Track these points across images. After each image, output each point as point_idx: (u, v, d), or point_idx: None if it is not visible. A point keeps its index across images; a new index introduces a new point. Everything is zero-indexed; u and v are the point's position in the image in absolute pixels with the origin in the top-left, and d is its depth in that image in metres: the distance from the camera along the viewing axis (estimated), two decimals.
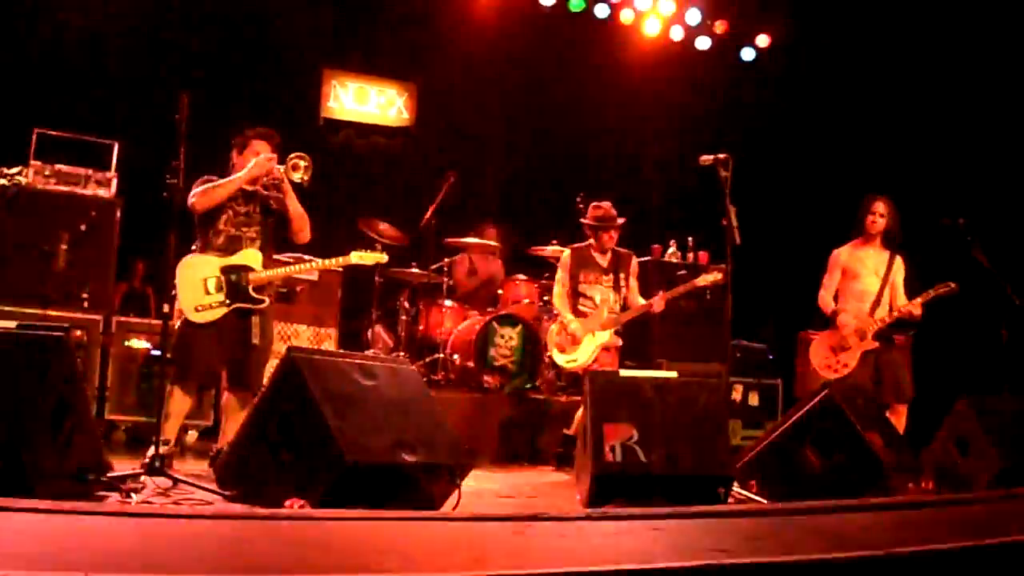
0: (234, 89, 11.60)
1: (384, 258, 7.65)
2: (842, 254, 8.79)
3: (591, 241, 9.11)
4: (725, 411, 6.93)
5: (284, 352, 5.70)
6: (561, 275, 9.15)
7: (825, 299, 8.71)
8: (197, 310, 6.78)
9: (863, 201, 8.83)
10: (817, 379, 8.32)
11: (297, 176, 7.04)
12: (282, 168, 7.04)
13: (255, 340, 6.96)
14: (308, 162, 7.06)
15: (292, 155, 7.08)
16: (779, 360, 11.56)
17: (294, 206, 7.09)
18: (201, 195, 6.82)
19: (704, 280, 8.94)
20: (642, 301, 8.96)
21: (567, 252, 9.25)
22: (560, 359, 8.98)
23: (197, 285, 6.80)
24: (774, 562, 3.57)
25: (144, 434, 7.86)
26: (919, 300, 8.49)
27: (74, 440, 5.23)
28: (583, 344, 8.82)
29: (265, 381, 6.48)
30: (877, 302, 8.61)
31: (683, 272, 9.88)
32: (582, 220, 9.19)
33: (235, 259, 6.94)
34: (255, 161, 7.05)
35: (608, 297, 8.96)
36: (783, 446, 6.89)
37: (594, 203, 9.17)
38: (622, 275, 9.06)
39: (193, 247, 6.95)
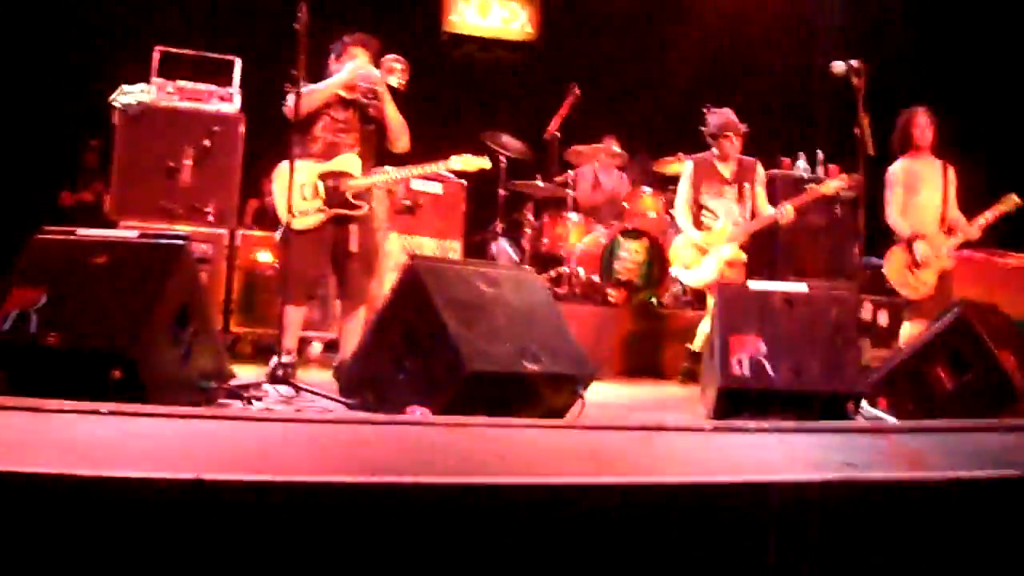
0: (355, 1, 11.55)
1: (488, 164, 7.52)
2: (898, 169, 8.53)
3: (714, 151, 8.90)
4: (856, 327, 6.75)
5: (407, 261, 5.67)
6: (683, 187, 8.97)
7: (896, 218, 8.45)
8: (294, 216, 6.72)
9: (902, 116, 8.61)
10: (949, 298, 8.14)
11: (394, 80, 6.95)
12: (379, 73, 6.96)
13: (353, 248, 6.90)
14: (405, 65, 6.97)
15: (387, 58, 7.00)
16: None
17: (392, 112, 7.00)
18: (298, 100, 6.73)
19: (829, 188, 8.76)
20: (771, 210, 8.70)
21: (689, 163, 9.05)
22: (683, 275, 8.86)
23: (294, 191, 6.73)
24: (906, 478, 3.46)
25: (269, 346, 7.90)
26: (985, 218, 8.36)
27: (196, 349, 5.26)
28: (707, 259, 8.65)
29: (386, 292, 6.46)
30: (942, 217, 8.44)
31: (812, 184, 9.62)
32: (702, 129, 8.98)
33: (333, 165, 6.89)
34: (350, 66, 6.99)
35: (732, 209, 8.77)
36: (914, 364, 6.72)
37: (713, 111, 8.99)
38: (747, 185, 8.83)
39: (292, 155, 6.85)
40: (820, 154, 10.99)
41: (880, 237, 8.69)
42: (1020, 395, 6.43)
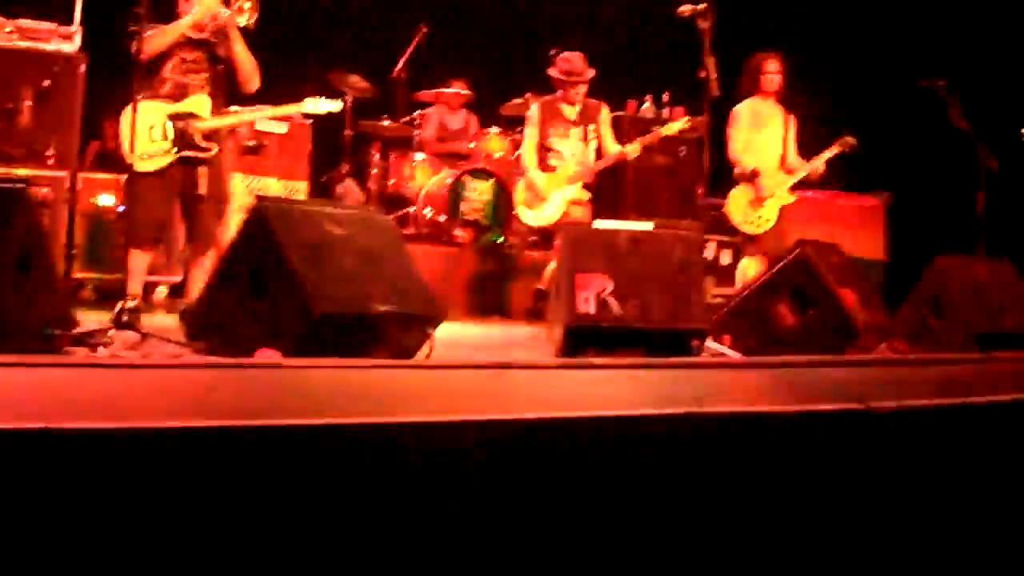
0: None
1: (339, 106, 7.47)
2: (744, 108, 8.75)
3: (559, 94, 8.97)
4: (700, 265, 6.87)
5: (253, 202, 5.60)
6: (529, 130, 9.04)
7: (739, 154, 8.67)
8: (141, 158, 6.61)
9: (752, 60, 8.81)
10: (791, 236, 8.32)
11: (242, 19, 6.84)
12: (227, 12, 6.85)
13: (202, 190, 6.81)
14: (253, 2, 6.86)
15: None
16: None
17: (241, 51, 6.88)
18: (145, 41, 6.60)
19: (672, 128, 8.91)
20: (616, 149, 8.83)
21: (534, 106, 9.12)
22: (527, 216, 8.92)
23: (142, 133, 6.62)
24: (750, 412, 3.54)
25: (113, 292, 7.77)
26: (823, 157, 8.62)
27: (38, 296, 5.12)
28: (551, 199, 8.75)
29: (230, 234, 6.39)
30: (782, 159, 8.72)
31: (659, 125, 9.74)
32: (549, 72, 9.03)
33: (182, 106, 6.78)
34: (199, 4, 6.87)
35: (577, 150, 8.85)
36: (757, 302, 6.87)
37: (562, 55, 9.01)
38: (592, 127, 8.91)
39: (140, 96, 6.73)
40: (666, 95, 11.10)
41: (724, 178, 8.84)
42: (860, 331, 6.61)
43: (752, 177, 8.50)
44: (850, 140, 8.54)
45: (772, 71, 8.70)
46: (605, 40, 11.21)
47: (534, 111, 9.06)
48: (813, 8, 12.41)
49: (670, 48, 9.30)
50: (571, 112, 8.92)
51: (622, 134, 9.37)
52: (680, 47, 8.16)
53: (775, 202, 8.50)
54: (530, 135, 8.99)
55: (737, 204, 8.57)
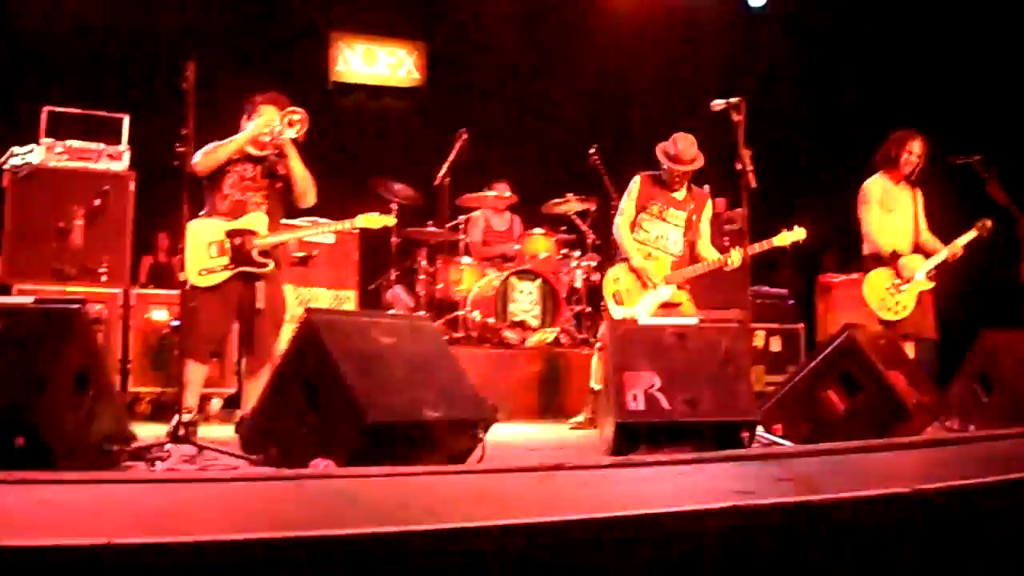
0: (242, 55, 11.58)
1: (392, 221, 7.62)
2: (875, 187, 8.58)
3: (662, 172, 8.42)
4: (747, 356, 6.84)
5: (302, 314, 5.69)
6: (626, 204, 8.46)
7: (874, 235, 8.47)
8: (200, 274, 6.79)
9: (898, 136, 8.62)
10: (839, 321, 8.29)
11: (292, 132, 6.98)
12: (281, 127, 7.00)
13: (259, 305, 6.96)
14: (303, 115, 7.01)
15: (286, 110, 7.04)
16: (799, 305, 11.51)
17: (297, 166, 7.06)
18: (203, 156, 6.80)
19: (785, 240, 8.11)
20: (715, 253, 8.25)
21: (637, 177, 8.52)
22: (617, 312, 8.18)
23: (201, 249, 6.81)
24: (800, 502, 3.56)
25: (168, 405, 7.89)
26: (962, 241, 8.45)
27: (97, 412, 5.22)
28: (644, 297, 8.23)
29: (284, 346, 6.49)
30: (915, 240, 8.53)
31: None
32: (656, 148, 8.46)
33: (240, 223, 6.94)
34: (254, 122, 7.05)
35: (667, 235, 8.35)
36: (806, 389, 6.87)
37: (675, 134, 8.44)
38: (695, 216, 8.39)
39: (200, 213, 6.95)
40: (706, 188, 11.12)
41: (766, 266, 8.80)
42: (910, 412, 6.60)
43: (891, 260, 8.37)
44: (988, 224, 8.41)
45: (916, 153, 8.53)
46: (644, 134, 11.32)
47: (635, 183, 8.47)
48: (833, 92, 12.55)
49: (707, 142, 9.27)
50: (678, 193, 8.40)
51: None
52: (716, 139, 8.16)
53: (913, 288, 8.31)
54: (626, 210, 8.41)
55: (874, 290, 8.37)
